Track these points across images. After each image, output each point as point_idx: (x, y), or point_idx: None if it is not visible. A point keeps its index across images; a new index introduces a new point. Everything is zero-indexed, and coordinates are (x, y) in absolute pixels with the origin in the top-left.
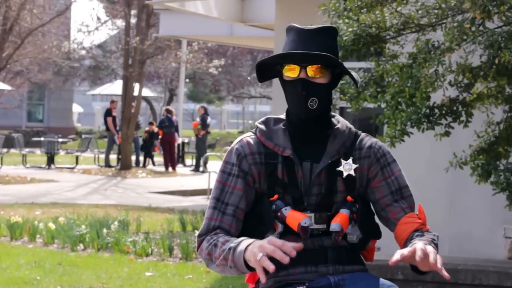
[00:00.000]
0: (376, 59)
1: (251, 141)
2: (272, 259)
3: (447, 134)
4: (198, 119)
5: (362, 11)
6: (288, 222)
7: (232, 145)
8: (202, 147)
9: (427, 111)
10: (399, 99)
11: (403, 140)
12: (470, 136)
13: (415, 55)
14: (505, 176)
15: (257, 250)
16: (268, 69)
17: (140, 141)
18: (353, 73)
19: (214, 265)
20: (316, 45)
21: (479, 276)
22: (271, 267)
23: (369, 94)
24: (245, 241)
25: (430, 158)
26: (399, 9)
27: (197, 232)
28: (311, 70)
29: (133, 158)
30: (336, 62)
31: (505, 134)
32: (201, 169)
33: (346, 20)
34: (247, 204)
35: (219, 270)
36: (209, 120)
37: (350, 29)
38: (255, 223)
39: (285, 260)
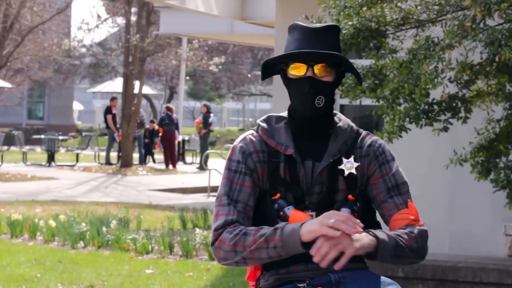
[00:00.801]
0: (375, 53)
1: (254, 139)
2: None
3: (445, 129)
4: (200, 118)
5: (362, 8)
6: (290, 221)
7: (235, 143)
8: (203, 145)
9: (426, 107)
10: (398, 95)
11: (400, 136)
12: (470, 133)
13: (414, 51)
14: (505, 173)
15: (324, 217)
16: (271, 67)
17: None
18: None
19: (238, 256)
20: (321, 43)
21: (480, 273)
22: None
23: (367, 85)
24: (292, 223)
25: (431, 156)
26: (399, 4)
27: (197, 230)
28: (317, 69)
29: (137, 156)
30: (343, 61)
31: (506, 132)
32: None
33: (348, 11)
34: (255, 201)
35: (241, 261)
36: (211, 118)
37: (350, 23)
38: (257, 221)
39: (352, 231)
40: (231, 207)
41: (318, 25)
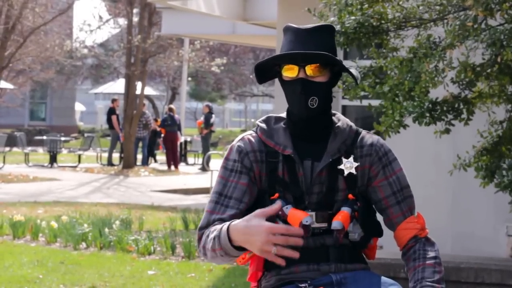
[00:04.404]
0: (376, 50)
1: (252, 139)
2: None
3: (447, 131)
4: (202, 118)
5: (363, 6)
6: (289, 220)
7: (233, 142)
8: (204, 145)
9: (430, 106)
10: (397, 92)
11: (398, 132)
12: (473, 136)
13: (415, 50)
14: (508, 175)
15: (264, 238)
16: (267, 70)
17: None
18: (352, 70)
19: (208, 257)
20: (314, 44)
21: (482, 274)
22: (283, 263)
23: (368, 84)
24: (228, 225)
25: (434, 157)
26: (401, 3)
27: None
28: (310, 69)
29: (140, 157)
30: (334, 60)
31: (508, 134)
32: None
33: (349, 9)
34: (250, 199)
35: (215, 261)
36: (213, 118)
37: (353, 18)
38: None
39: (295, 254)
40: (218, 205)
41: (311, 25)
